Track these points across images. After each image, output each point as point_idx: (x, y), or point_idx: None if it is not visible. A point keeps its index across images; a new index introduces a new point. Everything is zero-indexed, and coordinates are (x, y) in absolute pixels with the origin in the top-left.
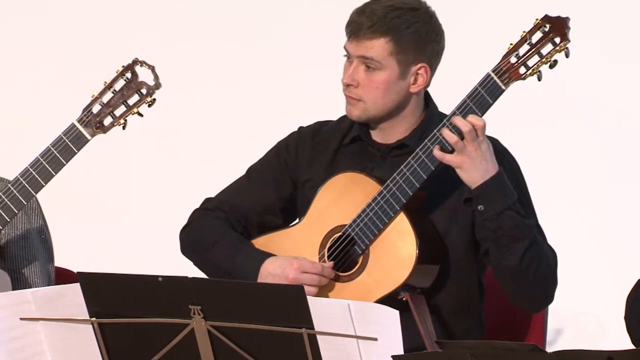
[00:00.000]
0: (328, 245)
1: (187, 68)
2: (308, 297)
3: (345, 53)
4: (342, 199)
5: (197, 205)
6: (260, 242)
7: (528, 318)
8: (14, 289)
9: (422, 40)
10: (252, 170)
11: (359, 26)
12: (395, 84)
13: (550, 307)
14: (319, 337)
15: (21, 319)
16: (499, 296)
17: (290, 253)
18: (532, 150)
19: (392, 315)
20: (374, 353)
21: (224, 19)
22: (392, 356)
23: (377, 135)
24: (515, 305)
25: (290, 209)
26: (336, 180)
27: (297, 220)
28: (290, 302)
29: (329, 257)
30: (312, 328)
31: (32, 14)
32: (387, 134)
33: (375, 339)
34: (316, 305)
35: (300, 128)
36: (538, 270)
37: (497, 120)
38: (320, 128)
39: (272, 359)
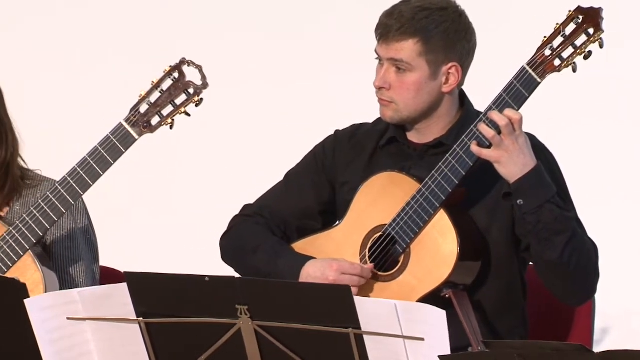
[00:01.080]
0: (369, 246)
1: (233, 68)
2: (355, 297)
3: (376, 56)
4: (381, 198)
5: (240, 205)
6: (301, 246)
7: (572, 317)
8: (59, 289)
9: (451, 39)
10: (290, 174)
11: (387, 29)
12: (427, 85)
13: (598, 306)
14: (365, 337)
15: (68, 318)
16: (542, 294)
17: (331, 255)
18: (572, 145)
19: (439, 315)
20: (421, 353)
21: (269, 18)
22: (439, 356)
23: (413, 136)
24: (559, 301)
25: (329, 212)
26: (375, 180)
27: (337, 222)
28: (337, 302)
29: (370, 257)
30: (359, 328)
31: (79, 14)
32: (423, 134)
33: (422, 339)
34: (363, 305)
35: (337, 131)
36: (579, 263)
37: (536, 114)
38: (356, 131)
39: (319, 358)
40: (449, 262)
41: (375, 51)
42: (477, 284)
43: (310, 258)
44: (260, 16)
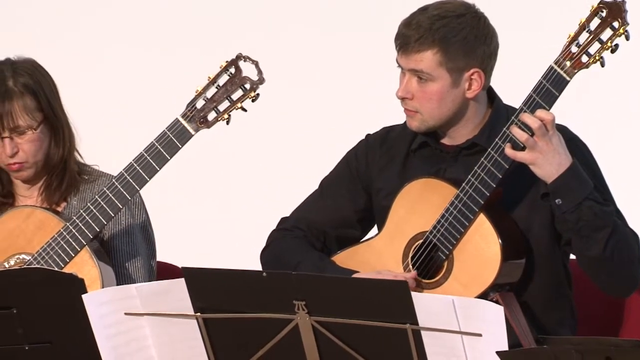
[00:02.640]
0: (411, 254)
1: (288, 63)
2: (412, 292)
3: (398, 65)
4: (419, 205)
5: (291, 196)
6: (342, 258)
7: (622, 309)
8: (117, 284)
9: (470, 45)
10: (324, 183)
11: (406, 39)
12: (450, 93)
13: None
14: (422, 332)
15: (126, 314)
16: (589, 287)
17: (374, 266)
18: (607, 132)
19: (497, 311)
20: (478, 349)
21: (326, 15)
22: (497, 352)
23: (444, 139)
24: (605, 293)
25: (367, 218)
26: (411, 188)
27: (376, 232)
28: (395, 297)
29: (413, 265)
30: (417, 324)
31: (137, 9)
32: (453, 137)
33: (480, 335)
34: (420, 301)
35: (368, 135)
36: (622, 256)
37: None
38: (387, 134)
39: (376, 354)
40: (493, 265)
41: (397, 61)
42: (522, 282)
43: (353, 272)
44: (317, 13)
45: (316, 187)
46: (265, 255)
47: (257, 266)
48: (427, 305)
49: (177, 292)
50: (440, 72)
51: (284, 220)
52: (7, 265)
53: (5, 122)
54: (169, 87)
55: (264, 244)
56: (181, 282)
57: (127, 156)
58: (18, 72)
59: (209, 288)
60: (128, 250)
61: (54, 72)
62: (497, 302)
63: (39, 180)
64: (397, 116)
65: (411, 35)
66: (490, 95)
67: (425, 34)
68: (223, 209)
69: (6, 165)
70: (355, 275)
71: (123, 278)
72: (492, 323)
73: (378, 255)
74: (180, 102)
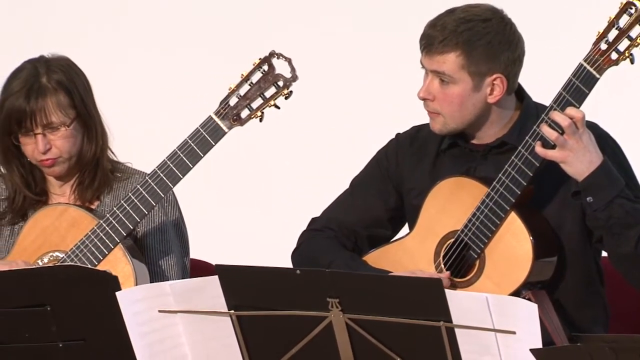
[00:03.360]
0: (442, 253)
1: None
2: (446, 290)
3: (421, 66)
4: (450, 204)
5: (325, 194)
6: (374, 258)
7: None
8: (150, 281)
9: (494, 51)
10: (354, 183)
11: (430, 40)
12: (471, 97)
13: None
14: (456, 330)
15: (160, 311)
16: (621, 284)
17: (406, 265)
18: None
19: (530, 309)
20: (512, 346)
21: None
22: (531, 350)
23: (472, 139)
24: (637, 291)
25: (397, 218)
26: (442, 186)
27: (407, 231)
28: (428, 295)
29: (445, 264)
30: (450, 321)
31: (167, 7)
32: (480, 137)
33: (514, 333)
34: (454, 298)
35: (398, 135)
36: None
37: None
38: (417, 133)
39: (410, 352)
40: (525, 263)
41: (420, 62)
42: (554, 279)
43: (385, 272)
44: (349, 10)
45: (346, 186)
46: (296, 256)
47: (290, 264)
48: (460, 302)
49: (210, 289)
50: (462, 75)
51: (314, 220)
52: (40, 263)
53: (38, 118)
54: (203, 84)
55: (295, 242)
56: (215, 279)
57: (161, 154)
58: (52, 69)
59: (243, 285)
60: (161, 248)
61: (87, 70)
62: (529, 300)
63: (72, 178)
64: (427, 116)
65: (435, 36)
66: (520, 94)
67: (449, 35)
68: (255, 207)
69: (39, 161)
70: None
71: (156, 276)
72: (525, 320)
73: (410, 255)
74: (213, 100)
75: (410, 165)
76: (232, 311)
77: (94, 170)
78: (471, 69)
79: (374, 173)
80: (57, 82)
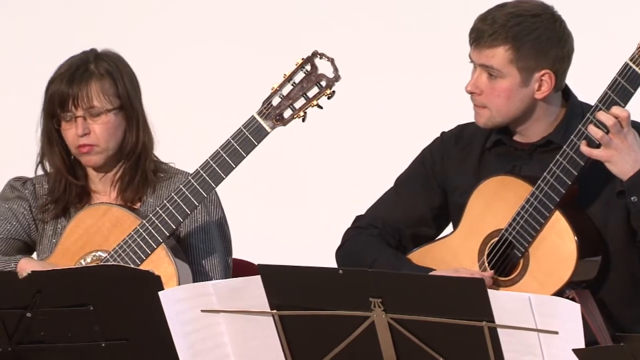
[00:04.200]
0: (487, 252)
1: (364, 60)
2: (488, 290)
3: (470, 60)
4: (494, 203)
5: (369, 192)
6: (418, 255)
7: None
8: (194, 281)
9: (543, 47)
10: (399, 181)
11: (480, 34)
12: (518, 92)
13: None
14: (499, 330)
15: (202, 311)
16: None
17: (450, 264)
18: None
19: (573, 309)
20: (555, 346)
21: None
22: (573, 350)
23: (517, 137)
24: None
25: (442, 216)
26: (486, 185)
27: (451, 230)
28: (471, 295)
29: (489, 263)
30: (493, 321)
31: (210, 7)
32: (526, 135)
33: (556, 333)
34: (496, 298)
35: (443, 133)
36: None
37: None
38: (461, 132)
39: (452, 352)
40: (569, 263)
41: (469, 56)
42: (598, 279)
43: (429, 269)
44: (391, 11)
45: (387, 186)
46: (340, 254)
47: (332, 263)
48: (503, 302)
49: (253, 289)
50: (511, 70)
51: (359, 218)
52: (83, 263)
53: (80, 100)
54: (245, 84)
55: (338, 241)
56: (257, 279)
57: (203, 154)
58: (101, 57)
59: (285, 285)
60: (204, 248)
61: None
62: (573, 299)
63: (110, 172)
64: (470, 115)
65: (485, 30)
66: (566, 93)
67: (499, 29)
68: (298, 206)
69: (77, 148)
70: (431, 274)
71: (199, 275)
72: (568, 320)
73: (454, 253)
74: (256, 100)
75: (455, 164)
76: (275, 311)
77: (135, 168)
78: (519, 64)
79: (419, 171)
80: (104, 69)
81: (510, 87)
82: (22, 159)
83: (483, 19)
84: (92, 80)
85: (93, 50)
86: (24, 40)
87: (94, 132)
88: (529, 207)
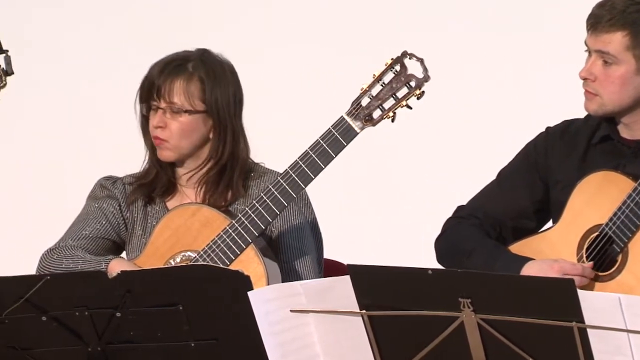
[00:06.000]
0: (586, 246)
1: (453, 60)
2: (578, 290)
3: (585, 48)
4: (596, 198)
5: (456, 197)
6: (516, 248)
7: None
8: (285, 280)
9: None
10: (502, 174)
11: (598, 19)
12: (633, 79)
13: None
14: (588, 330)
15: (291, 310)
16: None
17: (548, 256)
18: None
19: None
20: None
21: (487, 12)
22: None
23: (624, 132)
24: None
25: (543, 210)
26: (589, 180)
27: (550, 224)
28: (560, 295)
29: (587, 257)
30: (583, 322)
31: (298, 8)
32: (634, 130)
33: None
34: (586, 298)
35: (548, 128)
36: None
37: None
38: (567, 127)
39: (542, 352)
40: None
41: (585, 42)
42: None
43: (528, 259)
44: (480, 10)
45: (492, 178)
46: (440, 242)
47: (421, 263)
48: (592, 303)
49: (342, 289)
50: (627, 57)
51: (460, 208)
52: (173, 263)
53: (163, 92)
54: (334, 84)
55: (426, 241)
56: (345, 279)
57: (293, 154)
58: (204, 60)
59: (374, 285)
60: (298, 246)
61: None
62: None
63: (196, 175)
64: (571, 113)
65: (603, 16)
66: None
67: (617, 15)
68: (388, 207)
69: (153, 137)
70: (530, 264)
71: (292, 274)
72: None
73: (552, 247)
74: (345, 100)
75: (559, 157)
76: (364, 311)
77: (220, 176)
78: (636, 51)
79: (522, 164)
80: (199, 71)
81: (625, 74)
82: (117, 158)
83: (602, 4)
84: (180, 77)
85: (204, 51)
86: (128, 40)
87: (169, 127)
88: (631, 203)
